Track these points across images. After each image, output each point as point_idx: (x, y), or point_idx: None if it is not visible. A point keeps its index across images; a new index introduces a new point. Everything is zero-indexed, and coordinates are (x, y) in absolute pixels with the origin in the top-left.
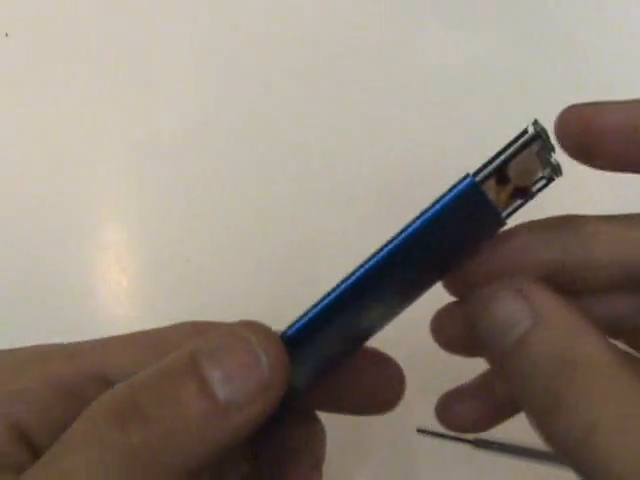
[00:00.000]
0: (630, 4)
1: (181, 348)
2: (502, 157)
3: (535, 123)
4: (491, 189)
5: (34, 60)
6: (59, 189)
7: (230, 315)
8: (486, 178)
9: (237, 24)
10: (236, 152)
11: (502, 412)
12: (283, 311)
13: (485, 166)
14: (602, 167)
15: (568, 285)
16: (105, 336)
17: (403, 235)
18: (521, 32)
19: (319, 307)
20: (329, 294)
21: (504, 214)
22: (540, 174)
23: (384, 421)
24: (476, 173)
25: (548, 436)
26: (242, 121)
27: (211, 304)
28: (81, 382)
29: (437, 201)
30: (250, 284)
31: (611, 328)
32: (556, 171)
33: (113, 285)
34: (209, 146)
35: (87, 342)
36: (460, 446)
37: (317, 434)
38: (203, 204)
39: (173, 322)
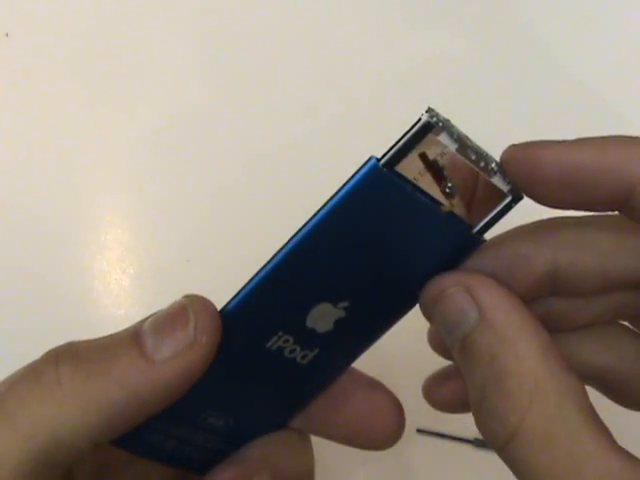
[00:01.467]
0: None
1: None
2: (399, 144)
3: (428, 111)
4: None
5: (34, 60)
6: (59, 189)
7: None
8: (387, 165)
9: (233, 25)
10: (237, 153)
11: None
12: None
13: (387, 152)
14: (548, 205)
15: (563, 288)
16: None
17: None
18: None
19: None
20: (257, 274)
21: (475, 228)
22: (504, 189)
23: None
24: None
25: (478, 429)
26: (243, 122)
27: None
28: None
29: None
30: None
31: (614, 317)
32: (513, 191)
33: (113, 285)
34: (210, 147)
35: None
36: (460, 446)
37: (308, 461)
38: (203, 204)
39: None
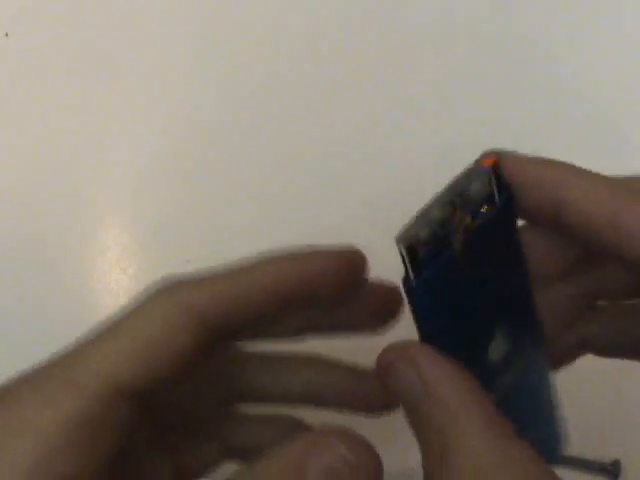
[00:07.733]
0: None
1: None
2: None
3: None
4: None
5: (34, 60)
6: (59, 190)
7: None
8: None
9: (230, 27)
10: (236, 153)
11: None
12: None
13: None
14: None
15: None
16: None
17: None
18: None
19: None
20: None
21: None
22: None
23: (384, 420)
24: None
25: None
26: (243, 121)
27: None
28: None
29: None
30: None
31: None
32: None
33: (113, 285)
34: (209, 147)
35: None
36: None
37: None
38: (203, 205)
39: None
